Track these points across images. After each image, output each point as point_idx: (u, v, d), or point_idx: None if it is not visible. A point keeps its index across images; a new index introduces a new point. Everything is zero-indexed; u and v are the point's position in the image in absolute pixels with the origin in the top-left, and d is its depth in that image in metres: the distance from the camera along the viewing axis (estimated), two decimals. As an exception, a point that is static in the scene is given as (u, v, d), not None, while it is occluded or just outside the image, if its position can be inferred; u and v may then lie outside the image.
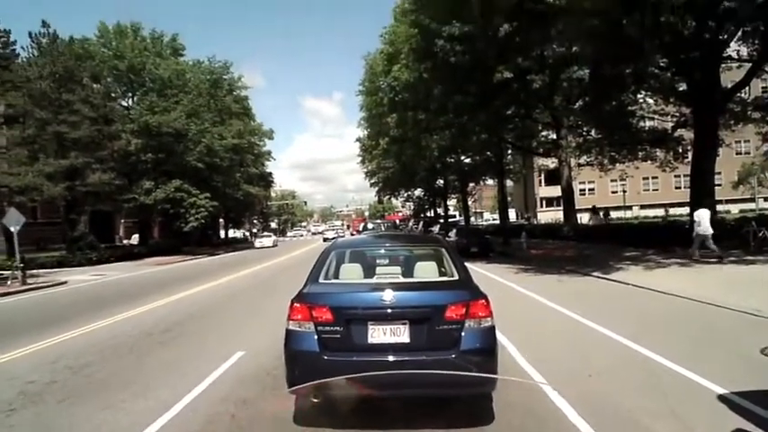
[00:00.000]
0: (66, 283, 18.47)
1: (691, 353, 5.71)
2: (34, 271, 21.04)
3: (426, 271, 4.59)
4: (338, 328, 3.92)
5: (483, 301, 4.08)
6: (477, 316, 3.99)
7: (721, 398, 4.38)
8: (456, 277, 4.48)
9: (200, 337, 7.67)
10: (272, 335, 7.42)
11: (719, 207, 24.93)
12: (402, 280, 4.68)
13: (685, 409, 4.20)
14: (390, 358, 3.87)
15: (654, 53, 15.47)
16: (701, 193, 18.09)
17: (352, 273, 4.65)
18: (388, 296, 4.00)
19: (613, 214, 51.75)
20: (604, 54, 15.08)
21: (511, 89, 18.80)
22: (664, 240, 17.59)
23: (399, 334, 3.93)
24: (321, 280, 4.47)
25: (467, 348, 3.91)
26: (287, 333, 4.05)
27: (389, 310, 3.96)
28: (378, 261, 5.32)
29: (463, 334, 3.93)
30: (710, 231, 14.07)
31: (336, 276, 4.67)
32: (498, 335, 6.62)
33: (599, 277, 12.53)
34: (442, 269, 4.72)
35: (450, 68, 18.60)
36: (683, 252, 15.83)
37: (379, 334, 3.93)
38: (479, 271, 15.62)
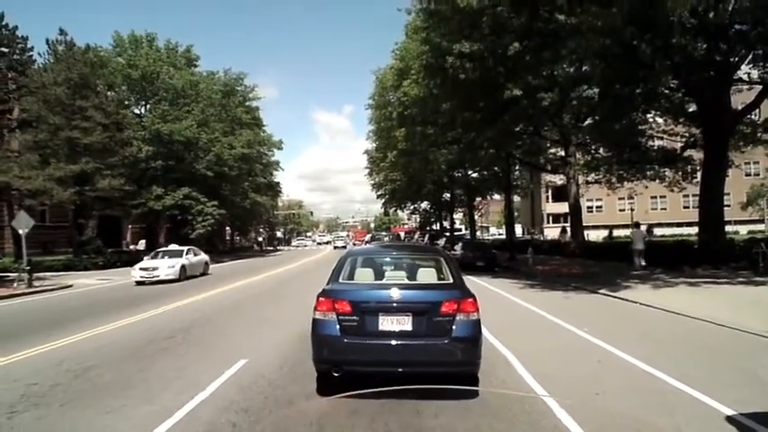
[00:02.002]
0: (71, 286, 18.52)
1: (700, 374, 5.62)
2: (41, 274, 21.15)
3: (427, 275, 5.57)
4: (355, 318, 4.83)
5: (471, 299, 4.98)
6: (466, 311, 4.88)
7: (729, 419, 4.31)
8: (451, 281, 5.39)
9: (204, 343, 7.65)
10: (276, 343, 7.44)
11: (728, 228, 24.67)
12: (407, 282, 5.58)
13: (693, 429, 4.13)
14: (396, 342, 4.77)
15: (664, 74, 15.50)
16: (710, 213, 17.98)
17: (365, 275, 5.59)
18: (396, 294, 4.94)
19: (622, 233, 51.55)
20: (615, 73, 15.11)
21: (520, 106, 18.81)
22: (671, 259, 17.43)
23: (404, 323, 4.84)
24: (341, 280, 5.38)
25: (457, 336, 4.79)
26: (314, 321, 4.93)
27: (396, 305, 4.87)
28: (386, 267, 6.12)
29: (454, 326, 4.81)
30: (641, 247, 17.18)
31: (351, 278, 5.54)
32: (504, 351, 6.61)
33: (606, 295, 12.39)
34: (441, 275, 5.55)
35: (460, 85, 18.67)
36: (691, 271, 15.72)
37: (387, 323, 4.83)
38: (485, 285, 15.52)
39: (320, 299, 4.98)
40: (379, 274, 5.79)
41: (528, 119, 23.15)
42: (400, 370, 4.87)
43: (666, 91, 18.61)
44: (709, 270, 15.59)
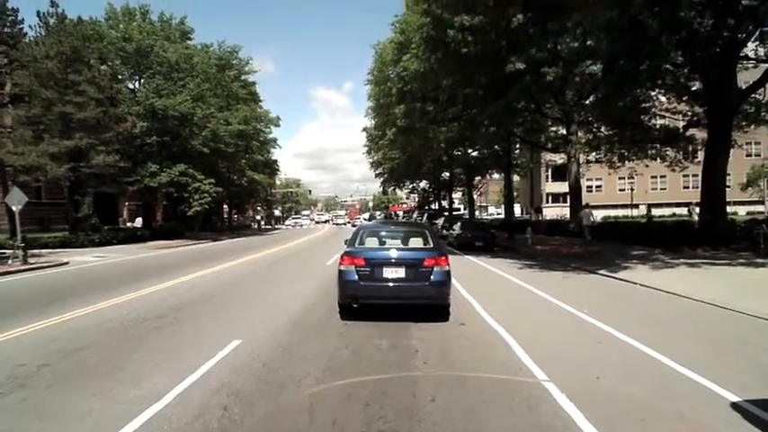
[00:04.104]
0: (67, 263, 18.36)
1: (702, 357, 5.51)
2: (36, 251, 20.97)
3: (415, 242, 8.11)
4: (368, 269, 7.26)
5: (444, 257, 7.42)
6: (440, 265, 7.28)
7: (734, 405, 4.20)
8: (432, 246, 7.90)
9: (197, 323, 7.51)
10: (271, 324, 7.32)
11: (728, 209, 24.48)
12: (401, 246, 8.04)
13: (696, 415, 4.01)
14: (394, 284, 7.23)
15: (671, 49, 15.09)
16: (712, 193, 17.79)
17: (372, 242, 8.13)
18: (394, 254, 7.52)
19: (620, 213, 51.54)
20: (620, 48, 14.68)
21: (522, 82, 18.40)
22: (671, 240, 17.31)
23: (399, 273, 7.27)
24: (356, 245, 7.88)
25: (434, 281, 7.19)
26: (340, 271, 7.40)
27: (394, 260, 7.37)
28: (386, 237, 8.41)
29: (432, 274, 7.21)
30: (588, 224, 20.12)
31: (363, 244, 8.01)
32: (504, 333, 6.51)
33: (606, 276, 12.29)
34: (426, 242, 8.07)
35: (461, 59, 18.23)
36: (691, 252, 15.62)
37: (389, 272, 7.28)
38: (484, 266, 15.41)
39: (344, 257, 7.46)
40: (382, 242, 8.20)
41: (530, 96, 22.73)
42: (398, 302, 7.33)
43: (671, 67, 18.19)
44: (710, 251, 15.50)
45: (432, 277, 7.15)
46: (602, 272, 12.74)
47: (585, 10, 12.65)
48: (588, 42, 17.24)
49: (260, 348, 5.94)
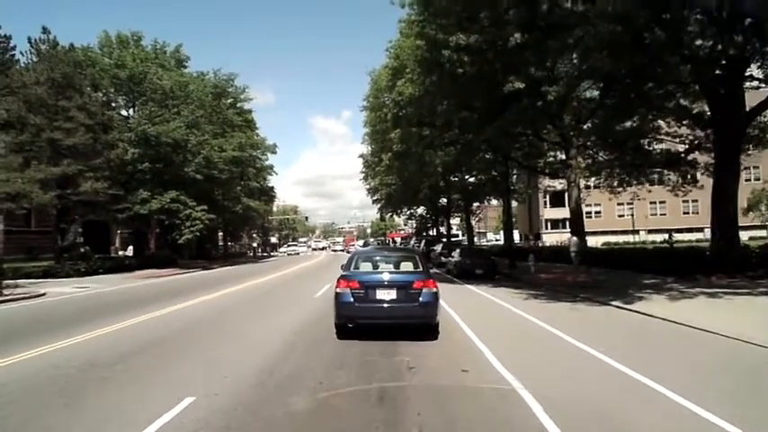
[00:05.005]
0: (44, 294, 17.29)
1: (762, 416, 4.49)
2: (17, 281, 19.89)
3: (406, 266, 8.56)
4: (362, 291, 7.82)
5: (432, 280, 8.03)
6: (429, 287, 7.85)
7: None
8: (421, 269, 8.35)
9: (150, 372, 6.40)
10: (237, 372, 6.18)
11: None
12: (393, 270, 8.49)
13: None
14: (387, 305, 7.77)
15: (676, 67, 14.46)
16: (724, 219, 16.93)
17: (366, 266, 8.69)
18: (387, 277, 8.14)
19: (620, 239, 50.69)
20: (624, 65, 13.99)
21: (520, 105, 17.77)
22: (684, 267, 16.31)
23: (391, 294, 7.81)
24: (351, 269, 8.41)
25: (422, 301, 7.74)
26: (336, 294, 7.94)
27: (386, 283, 7.96)
28: (379, 262, 8.89)
29: (421, 296, 7.75)
30: (576, 250, 18.66)
31: (358, 268, 8.56)
32: (515, 383, 5.27)
33: (619, 307, 11.24)
34: (415, 266, 8.52)
35: (457, 81, 17.69)
36: (706, 280, 14.64)
37: (381, 294, 7.82)
38: (486, 296, 14.39)
39: (340, 280, 8.02)
40: (376, 266, 8.72)
41: (528, 119, 22.13)
42: (390, 321, 7.80)
43: (674, 87, 17.58)
44: (725, 279, 14.51)
45: (421, 298, 7.71)
46: (614, 303, 11.69)
47: (587, 26, 12.03)
48: (588, 62, 16.65)
49: (215, 407, 4.82)
